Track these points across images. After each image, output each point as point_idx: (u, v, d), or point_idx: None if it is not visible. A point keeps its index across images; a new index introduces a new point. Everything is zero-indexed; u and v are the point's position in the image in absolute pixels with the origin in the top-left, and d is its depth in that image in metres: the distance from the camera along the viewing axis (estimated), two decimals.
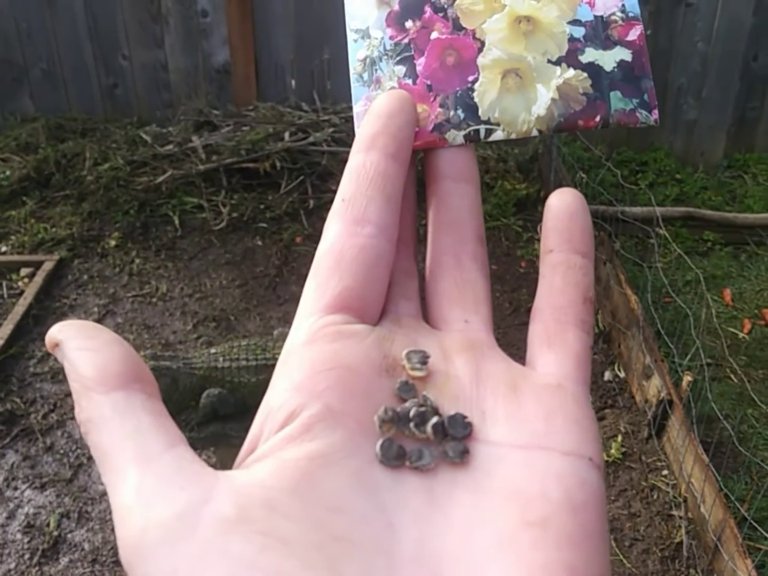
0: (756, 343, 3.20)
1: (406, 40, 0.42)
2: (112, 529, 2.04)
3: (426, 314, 0.43)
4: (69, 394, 2.83)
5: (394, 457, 0.33)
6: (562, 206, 0.41)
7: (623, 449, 2.66)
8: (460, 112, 0.42)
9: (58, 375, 2.95)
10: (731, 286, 3.56)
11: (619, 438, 2.69)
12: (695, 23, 4.30)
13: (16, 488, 2.48)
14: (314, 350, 0.37)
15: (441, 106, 0.42)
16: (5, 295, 3.43)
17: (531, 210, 4.08)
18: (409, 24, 0.42)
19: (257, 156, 4.06)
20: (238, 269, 3.63)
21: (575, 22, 0.41)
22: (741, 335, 3.25)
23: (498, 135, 0.42)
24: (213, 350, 1.79)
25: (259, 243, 3.82)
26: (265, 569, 0.28)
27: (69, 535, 2.32)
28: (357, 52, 0.43)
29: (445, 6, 0.42)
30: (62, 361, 0.36)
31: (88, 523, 2.36)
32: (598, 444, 0.37)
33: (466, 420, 0.34)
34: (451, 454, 0.33)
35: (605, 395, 2.91)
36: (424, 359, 0.36)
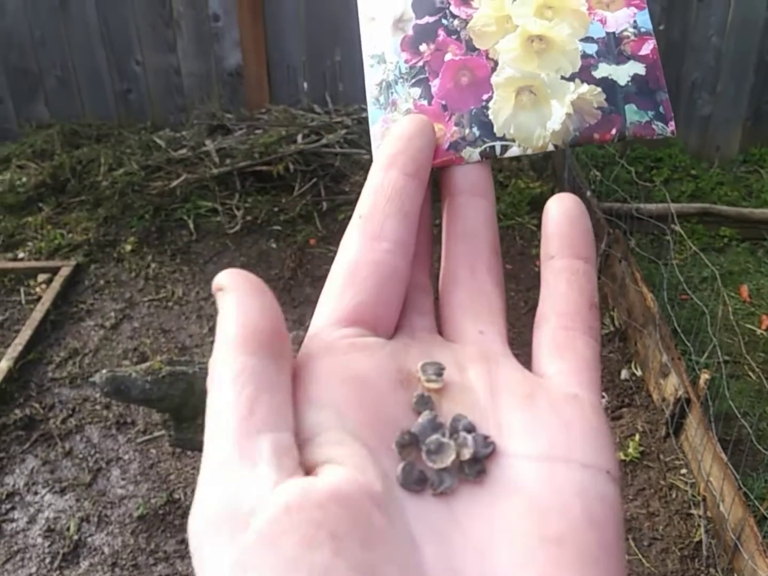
0: None
1: (420, 63, 0.43)
2: (132, 532, 2.06)
3: (440, 326, 0.43)
4: (87, 399, 2.86)
5: (415, 482, 0.33)
6: (562, 211, 0.41)
7: (641, 448, 2.65)
8: (475, 129, 0.42)
9: (77, 380, 2.98)
10: (748, 282, 3.53)
11: (637, 437, 2.68)
12: (708, 17, 4.27)
13: (36, 493, 2.50)
14: (328, 362, 0.37)
15: (456, 124, 0.42)
16: (23, 301, 3.46)
17: None
18: (423, 47, 0.43)
19: (270, 159, 4.07)
20: (253, 272, 3.54)
21: (587, 39, 0.41)
22: (759, 332, 3.22)
23: (514, 151, 0.42)
24: None
25: (274, 246, 3.83)
26: (313, 565, 0.28)
27: (89, 539, 2.34)
28: (373, 77, 0.44)
29: (458, 29, 0.43)
30: (219, 307, 0.36)
31: (108, 527, 2.38)
32: (615, 456, 0.37)
33: (488, 440, 0.34)
34: (467, 471, 0.33)
35: (622, 394, 2.90)
36: (439, 371, 0.36)
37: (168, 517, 2.42)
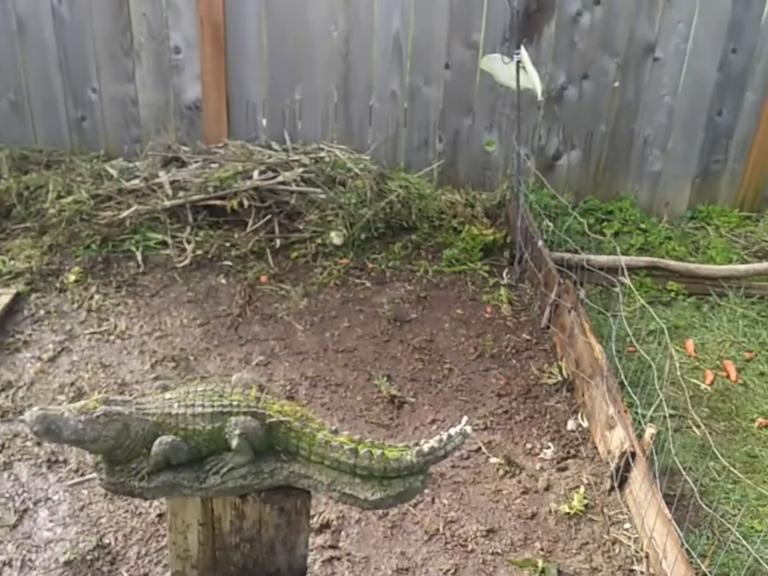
0: (718, 395, 3.22)
1: None
2: None
3: None
4: (18, 435, 2.73)
5: None
6: None
7: (585, 501, 2.63)
8: None
9: (8, 414, 2.85)
10: (694, 336, 3.59)
11: (582, 489, 2.66)
12: (662, 77, 4.40)
13: None
14: None
15: None
16: None
17: (497, 255, 4.09)
18: None
19: (225, 193, 4.02)
20: (200, 308, 3.56)
21: None
22: (703, 386, 3.26)
23: None
24: (167, 395, 1.72)
25: (223, 281, 3.76)
26: None
27: None
28: None
29: None
30: None
31: (31, 573, 2.26)
32: None
33: None
34: None
35: (568, 445, 2.89)
36: None
37: (96, 563, 2.31)
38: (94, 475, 1.75)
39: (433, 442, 1.71)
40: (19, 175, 4.21)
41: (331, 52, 4.36)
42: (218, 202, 4.03)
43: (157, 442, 1.66)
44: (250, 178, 4.12)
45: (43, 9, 4.24)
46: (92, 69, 4.39)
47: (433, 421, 2.96)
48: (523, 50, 3.62)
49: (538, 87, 3.63)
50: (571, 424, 2.98)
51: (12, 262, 3.73)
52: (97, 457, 1.72)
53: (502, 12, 4.16)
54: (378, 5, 4.27)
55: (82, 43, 4.33)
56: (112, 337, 3.33)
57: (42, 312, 3.46)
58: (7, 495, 2.52)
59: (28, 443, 2.71)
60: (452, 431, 1.73)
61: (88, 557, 2.32)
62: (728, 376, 3.34)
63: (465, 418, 1.80)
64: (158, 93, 4.45)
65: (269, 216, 4.07)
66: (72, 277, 3.66)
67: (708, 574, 2.11)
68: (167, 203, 3.99)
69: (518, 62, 3.64)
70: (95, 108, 4.49)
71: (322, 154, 4.39)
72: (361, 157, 4.44)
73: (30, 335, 3.31)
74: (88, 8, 4.24)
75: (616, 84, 4.40)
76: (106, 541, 2.38)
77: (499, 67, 3.77)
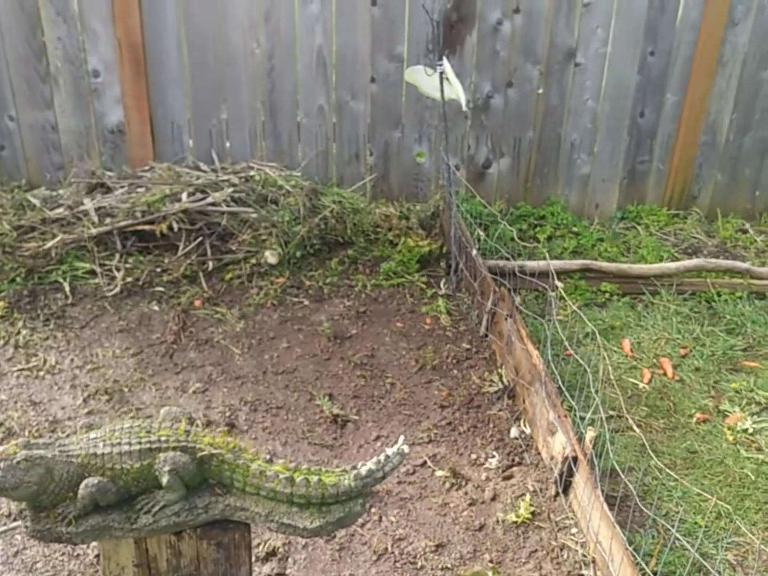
0: (656, 393, 3.27)
1: None
2: None
3: None
4: None
5: None
6: None
7: (532, 508, 2.63)
8: None
9: None
10: (630, 336, 3.64)
11: (528, 497, 2.67)
12: (584, 82, 4.48)
13: None
14: None
15: None
16: None
17: (434, 266, 4.10)
18: None
19: (153, 218, 3.93)
20: (133, 337, 3.46)
21: None
22: (641, 385, 3.31)
23: None
24: (92, 435, 1.65)
25: (156, 308, 3.66)
26: None
27: None
28: None
29: None
30: None
31: None
32: None
33: None
34: None
35: (512, 452, 2.89)
36: None
37: None
38: (19, 523, 1.66)
39: (370, 465, 1.67)
40: None
41: (254, 70, 4.32)
42: (147, 227, 3.93)
43: (83, 484, 1.58)
44: (179, 200, 4.03)
45: None
46: (8, 96, 4.25)
47: (377, 438, 2.93)
48: (445, 61, 3.64)
49: (462, 97, 3.66)
50: (514, 432, 2.98)
51: None
52: (21, 504, 1.63)
53: (424, 24, 4.18)
54: (299, 20, 4.25)
55: None
56: (41, 373, 3.21)
57: None
58: None
59: None
60: (389, 451, 1.70)
61: None
62: (665, 374, 3.40)
63: (401, 438, 1.77)
64: (79, 118, 4.33)
65: (200, 238, 3.99)
66: None
67: (652, 574, 2.12)
68: (94, 231, 3.87)
69: (441, 73, 3.66)
70: (14, 136, 4.35)
71: (252, 172, 4.34)
72: (292, 174, 4.40)
73: None
74: (1, 33, 4.11)
75: (540, 90, 4.46)
76: None
77: (422, 78, 3.78)
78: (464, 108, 3.86)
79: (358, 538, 2.50)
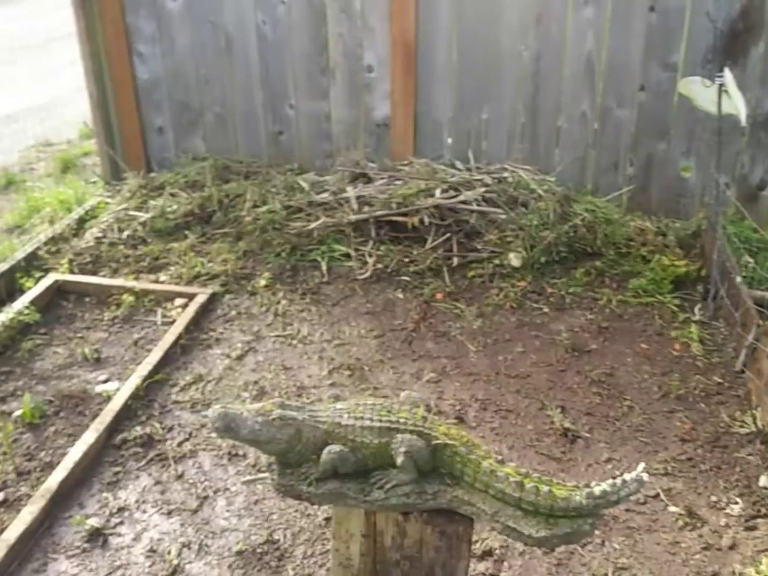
0: None
1: None
2: (229, 566, 2.04)
3: None
4: (204, 425, 2.92)
5: None
6: None
7: None
8: None
9: (197, 405, 3.06)
10: None
11: None
12: None
13: (144, 511, 2.56)
14: None
15: None
16: (159, 322, 3.62)
17: (689, 289, 3.83)
18: None
19: (407, 210, 4.09)
20: (377, 320, 3.64)
21: None
22: None
23: None
24: (339, 405, 1.76)
25: (400, 296, 3.82)
26: None
27: (187, 566, 2.36)
28: None
29: None
30: None
31: (207, 557, 2.39)
32: None
33: None
34: None
35: (759, 502, 2.63)
36: None
37: (265, 557, 2.40)
38: (267, 474, 1.81)
39: (605, 486, 1.61)
40: (221, 183, 4.54)
41: (520, 72, 4.32)
42: (400, 218, 4.11)
43: (326, 450, 1.69)
44: (432, 196, 4.16)
45: (249, 28, 4.56)
46: (291, 86, 4.65)
47: (609, 460, 2.81)
48: (727, 73, 3.38)
49: (742, 112, 3.37)
50: (763, 480, 2.71)
51: (210, 265, 4.02)
52: (270, 458, 1.78)
53: (704, 32, 3.92)
54: (571, 25, 4.18)
55: (282, 61, 4.60)
56: (294, 342, 3.49)
57: (234, 312, 3.69)
58: (191, 481, 2.69)
59: (213, 435, 2.89)
60: (627, 477, 1.63)
61: (258, 550, 2.42)
62: None
63: (642, 465, 1.68)
64: (350, 110, 4.62)
65: (448, 234, 4.09)
66: (262, 282, 3.89)
67: None
68: (352, 217, 4.12)
69: (720, 85, 3.40)
70: (292, 123, 4.75)
71: (506, 174, 4.36)
72: (545, 179, 4.35)
73: (222, 333, 3.54)
74: (290, 28, 4.51)
75: None
76: (275, 537, 2.48)
77: (699, 90, 3.54)
78: (743, 123, 3.56)
79: (577, 558, 2.42)
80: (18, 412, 2.96)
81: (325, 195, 4.33)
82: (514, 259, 3.94)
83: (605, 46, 4.19)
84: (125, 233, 4.27)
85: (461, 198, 4.14)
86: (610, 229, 4.08)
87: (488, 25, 4.27)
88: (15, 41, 6.08)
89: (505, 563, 2.39)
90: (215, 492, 2.66)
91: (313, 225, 4.12)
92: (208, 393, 3.13)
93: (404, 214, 4.10)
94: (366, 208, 4.18)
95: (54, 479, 2.61)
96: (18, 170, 5.80)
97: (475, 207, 4.12)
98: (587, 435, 2.94)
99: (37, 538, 2.44)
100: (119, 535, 2.48)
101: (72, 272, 3.99)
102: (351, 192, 4.28)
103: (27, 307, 3.58)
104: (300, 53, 4.56)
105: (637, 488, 1.62)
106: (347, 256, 4.07)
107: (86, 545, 2.43)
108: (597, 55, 4.22)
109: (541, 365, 3.34)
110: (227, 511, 2.58)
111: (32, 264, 4.04)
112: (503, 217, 4.10)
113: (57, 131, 6.20)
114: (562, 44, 4.24)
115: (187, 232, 4.29)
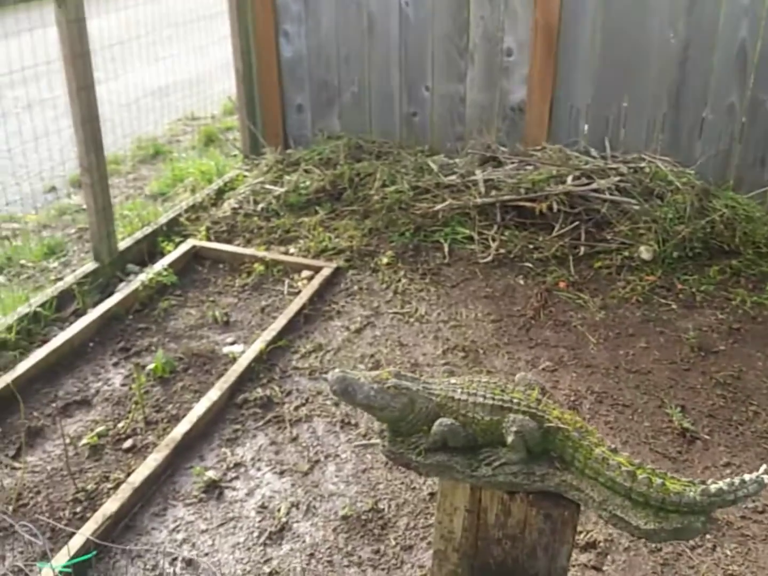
0: None
1: None
2: (333, 530, 2.12)
3: None
4: (320, 392, 3.03)
5: None
6: None
7: None
8: None
9: (315, 372, 3.17)
10: None
11: None
12: None
13: (259, 469, 2.69)
14: None
15: None
16: (285, 292, 3.77)
17: None
18: None
19: (536, 196, 4.04)
20: (496, 304, 3.63)
21: None
22: None
23: None
24: (453, 380, 1.79)
25: (521, 282, 3.79)
26: None
27: (295, 525, 2.46)
28: None
29: None
30: None
31: (314, 519, 2.49)
32: None
33: None
34: None
35: None
36: None
37: (369, 524, 2.47)
38: (378, 441, 1.87)
39: (722, 484, 1.56)
40: (353, 162, 4.65)
41: (666, 59, 4.15)
42: (527, 204, 4.06)
43: (437, 422, 1.72)
44: (563, 182, 4.08)
45: (392, 9, 4.61)
46: (428, 68, 4.68)
47: (728, 465, 2.69)
48: None
49: None
50: None
51: (337, 240, 4.14)
52: (382, 425, 1.83)
53: None
54: (724, 12, 3.96)
55: (422, 43, 4.63)
56: (411, 320, 3.54)
57: (356, 287, 3.79)
58: (304, 444, 2.80)
59: (328, 402, 3.00)
60: (747, 477, 1.56)
61: (363, 517, 2.50)
62: None
63: (764, 466, 1.61)
64: (485, 94, 4.60)
65: (577, 222, 4.01)
66: (385, 260, 3.96)
67: None
68: (479, 201, 4.11)
69: None
70: (426, 105, 4.78)
71: (643, 164, 4.20)
72: (684, 171, 4.17)
73: (343, 306, 3.65)
74: (432, 9, 4.52)
75: None
76: (380, 506, 2.54)
77: None
78: None
79: (685, 560, 2.34)
80: (151, 366, 3.17)
81: (453, 177, 4.34)
82: (645, 252, 3.81)
83: (760, 36, 3.95)
84: (260, 206, 4.46)
85: (593, 186, 4.04)
86: (751, 227, 3.86)
87: (636, 9, 4.12)
88: (173, 18, 6.44)
89: (609, 557, 2.34)
90: (326, 457, 2.75)
91: (438, 206, 4.15)
92: (327, 362, 3.24)
93: (532, 200, 4.05)
94: (493, 192, 4.16)
95: (178, 431, 2.78)
96: (165, 141, 6.17)
97: (607, 196, 4.01)
98: (707, 437, 2.82)
99: (160, 485, 2.61)
100: (234, 489, 2.61)
101: (209, 239, 4.23)
102: (479, 175, 4.27)
103: (165, 269, 3.82)
104: (440, 35, 4.57)
105: (756, 490, 1.56)
106: (470, 239, 4.07)
107: (203, 495, 2.58)
108: (751, 45, 3.99)
109: (663, 362, 3.23)
110: (336, 476, 2.67)
111: (173, 229, 4.31)
112: (636, 208, 3.96)
113: (202, 106, 6.53)
114: (714, 32, 4.03)
115: (317, 207, 4.43)
